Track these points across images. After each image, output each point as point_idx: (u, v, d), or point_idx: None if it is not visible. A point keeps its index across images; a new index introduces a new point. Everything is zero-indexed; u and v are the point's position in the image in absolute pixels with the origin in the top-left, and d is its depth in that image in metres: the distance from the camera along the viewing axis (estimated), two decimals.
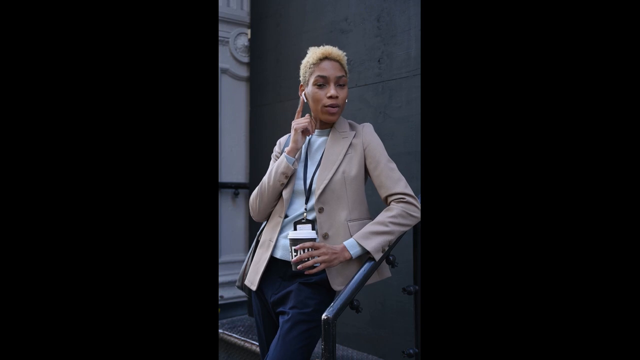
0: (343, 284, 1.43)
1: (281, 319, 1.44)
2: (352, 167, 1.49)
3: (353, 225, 1.47)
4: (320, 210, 1.46)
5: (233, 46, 3.14)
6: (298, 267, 1.38)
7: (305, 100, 1.56)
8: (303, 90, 1.56)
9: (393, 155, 1.58)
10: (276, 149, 1.65)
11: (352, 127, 1.56)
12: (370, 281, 1.42)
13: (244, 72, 3.18)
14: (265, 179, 1.54)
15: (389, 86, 2.29)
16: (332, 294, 1.48)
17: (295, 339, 1.38)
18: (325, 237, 1.45)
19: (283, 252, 1.49)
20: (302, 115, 1.56)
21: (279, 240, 1.50)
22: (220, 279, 2.93)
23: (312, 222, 1.46)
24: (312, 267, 1.38)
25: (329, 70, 1.48)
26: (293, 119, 1.56)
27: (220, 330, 2.68)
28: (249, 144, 3.19)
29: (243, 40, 3.18)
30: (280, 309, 1.46)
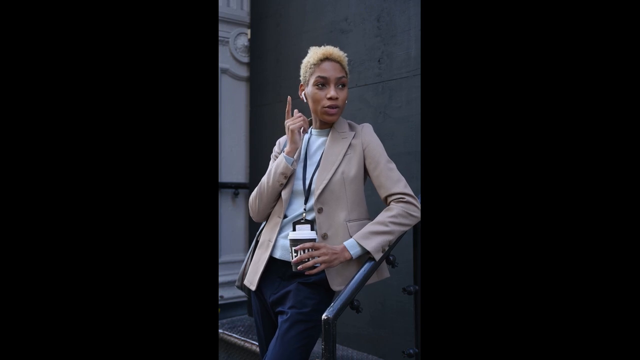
0: (342, 285, 1.43)
1: (280, 319, 1.44)
2: (351, 168, 1.49)
3: (352, 225, 1.47)
4: (320, 211, 1.46)
5: (233, 46, 3.14)
6: (298, 267, 1.38)
7: (305, 100, 1.56)
8: (303, 90, 1.56)
9: (393, 155, 1.58)
10: (275, 149, 1.64)
11: (351, 128, 1.56)
12: (369, 282, 1.42)
13: (244, 72, 3.18)
14: (264, 179, 1.54)
15: (389, 86, 2.29)
16: (330, 294, 1.48)
17: (294, 339, 1.38)
18: (324, 237, 1.45)
19: (282, 252, 1.49)
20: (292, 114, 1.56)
21: (278, 241, 1.50)
22: (220, 279, 2.93)
23: (311, 223, 1.46)
24: (313, 267, 1.38)
25: (330, 71, 1.48)
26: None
27: (220, 330, 2.68)
28: (249, 144, 3.19)
29: (243, 40, 3.18)
30: (279, 308, 1.46)
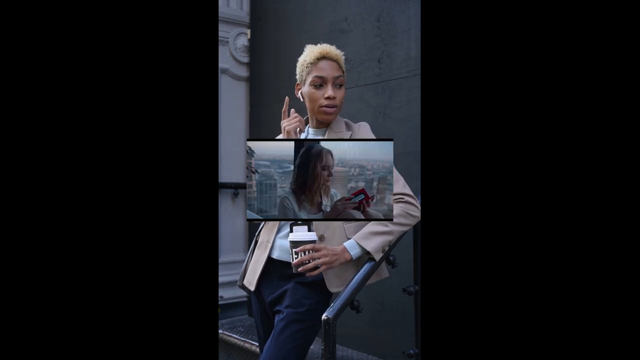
0: (340, 286, 1.42)
1: (276, 318, 1.44)
2: None
3: (349, 226, 1.46)
4: None
5: (233, 46, 3.14)
6: (299, 269, 1.38)
7: (302, 99, 1.55)
8: (299, 89, 1.55)
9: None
10: None
11: (348, 127, 1.55)
12: (368, 282, 1.42)
13: (243, 72, 3.18)
14: None
15: (389, 86, 2.29)
16: (328, 294, 1.47)
17: (289, 338, 1.38)
18: (322, 238, 1.45)
19: (280, 253, 1.49)
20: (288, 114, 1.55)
21: (276, 241, 1.50)
22: (220, 279, 2.93)
23: (308, 223, 1.45)
24: (314, 269, 1.37)
25: (327, 70, 1.47)
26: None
27: (220, 331, 2.68)
28: None
29: (243, 40, 3.18)
30: (277, 307, 1.46)
